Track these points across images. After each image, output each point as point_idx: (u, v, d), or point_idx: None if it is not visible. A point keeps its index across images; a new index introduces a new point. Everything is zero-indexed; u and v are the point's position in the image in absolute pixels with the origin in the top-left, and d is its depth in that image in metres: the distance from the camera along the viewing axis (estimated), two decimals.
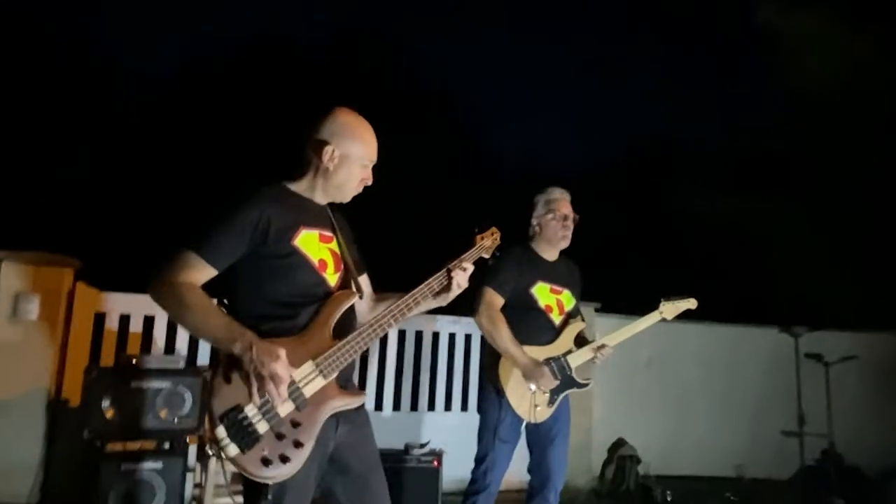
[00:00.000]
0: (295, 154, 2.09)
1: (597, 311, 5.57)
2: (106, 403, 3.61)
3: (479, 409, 3.06)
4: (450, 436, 4.52)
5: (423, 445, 4.06)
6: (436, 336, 5.17)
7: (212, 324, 1.74)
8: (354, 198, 2.12)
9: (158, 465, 3.50)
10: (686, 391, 5.97)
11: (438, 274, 2.08)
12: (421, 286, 2.04)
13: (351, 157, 2.01)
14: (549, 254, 3.17)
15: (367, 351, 4.73)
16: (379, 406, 4.95)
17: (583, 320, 3.20)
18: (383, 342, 4.94)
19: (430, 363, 5.12)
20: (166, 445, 3.59)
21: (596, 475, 5.53)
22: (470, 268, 2.12)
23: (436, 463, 3.98)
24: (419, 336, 5.09)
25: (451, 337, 5.21)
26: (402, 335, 5.04)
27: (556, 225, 3.10)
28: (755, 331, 6.30)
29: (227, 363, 1.73)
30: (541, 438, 3.02)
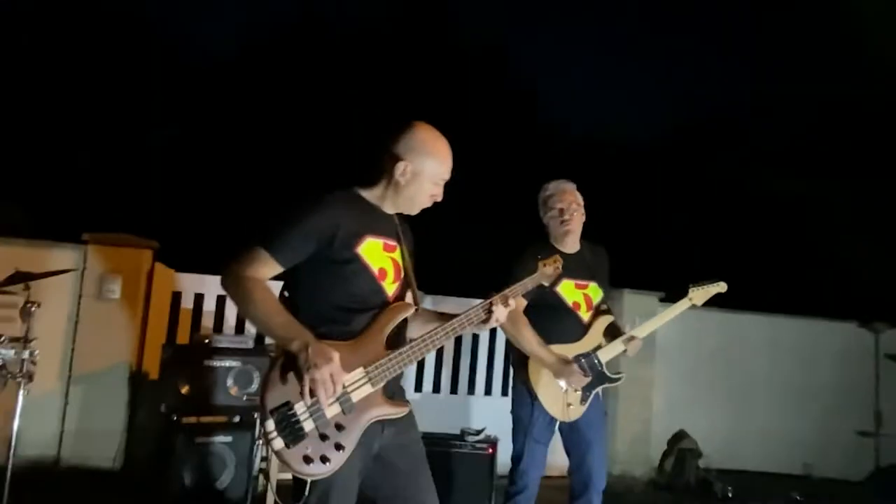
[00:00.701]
0: (370, 160, 2.14)
1: (661, 300, 5.44)
2: (181, 380, 3.88)
3: (512, 410, 3.06)
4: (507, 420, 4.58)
5: (478, 432, 4.12)
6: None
7: (273, 321, 1.84)
8: None
9: (229, 438, 3.72)
10: (752, 384, 5.78)
11: (479, 306, 2.08)
12: (460, 317, 2.06)
13: (423, 174, 2.04)
14: (568, 246, 3.09)
15: None
16: (437, 388, 5.07)
17: (610, 312, 3.16)
18: None
19: (487, 347, 5.17)
20: (236, 420, 3.79)
21: (654, 466, 5.48)
22: (513, 304, 2.12)
23: (490, 450, 4.03)
24: None
25: None
26: None
27: (555, 222, 3.05)
28: (831, 325, 6.01)
29: (283, 360, 1.83)
30: (576, 441, 3.01)
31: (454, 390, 5.16)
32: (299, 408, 1.82)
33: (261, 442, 1.80)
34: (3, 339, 2.83)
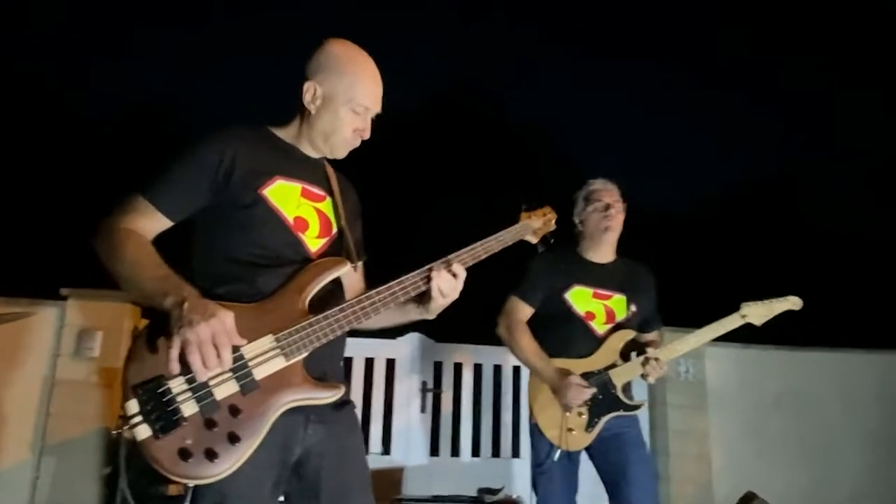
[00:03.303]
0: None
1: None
2: None
3: None
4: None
5: (496, 491, 3.52)
6: (517, 370, 4.62)
7: (145, 275, 1.41)
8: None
9: None
10: (832, 434, 4.91)
11: (419, 271, 1.63)
12: (398, 281, 1.61)
13: (337, 98, 1.64)
14: (598, 255, 2.75)
15: (440, 387, 4.38)
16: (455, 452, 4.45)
17: (638, 329, 2.72)
18: (458, 378, 4.49)
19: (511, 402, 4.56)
20: None
21: None
22: (461, 273, 1.63)
23: None
24: (497, 371, 4.56)
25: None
26: (477, 370, 4.54)
27: (597, 216, 2.69)
28: None
29: (155, 323, 1.40)
30: (610, 473, 2.53)
31: (476, 453, 4.51)
32: (175, 384, 1.36)
33: (116, 432, 1.33)
34: None
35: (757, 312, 2.65)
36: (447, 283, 1.61)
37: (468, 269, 1.67)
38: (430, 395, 4.39)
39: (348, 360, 4.28)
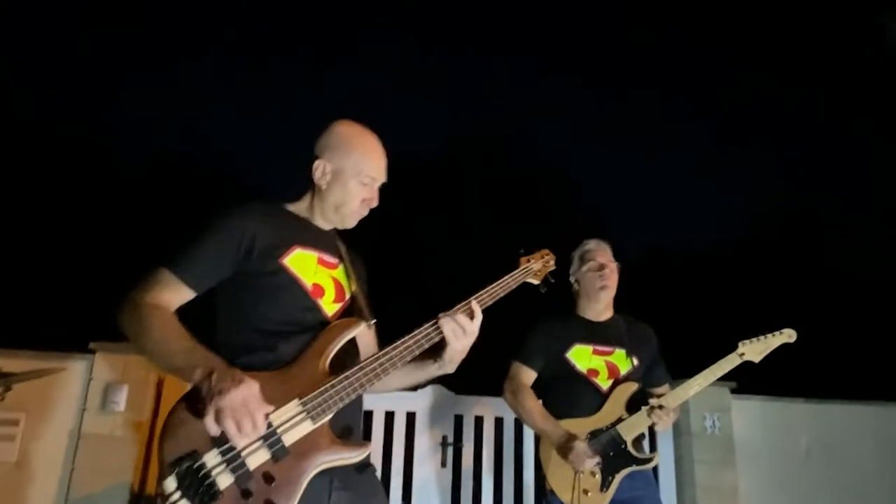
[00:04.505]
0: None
1: (733, 391, 4.71)
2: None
3: None
4: None
5: None
6: None
7: (173, 348, 1.48)
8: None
9: None
10: (865, 488, 4.76)
11: (429, 324, 1.69)
12: (412, 335, 1.67)
13: (345, 173, 1.77)
14: (594, 313, 2.82)
15: (460, 440, 4.34)
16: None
17: (638, 381, 2.72)
18: (479, 431, 4.45)
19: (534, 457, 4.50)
20: None
21: None
22: (464, 323, 1.67)
23: None
24: (519, 425, 4.51)
25: None
26: (499, 423, 4.49)
27: (592, 275, 2.76)
28: None
29: (188, 397, 1.45)
30: None
31: None
32: (210, 458, 1.41)
33: None
34: None
35: (754, 350, 2.62)
36: (452, 332, 1.66)
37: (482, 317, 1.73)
38: (450, 449, 4.35)
39: (368, 414, 4.27)
